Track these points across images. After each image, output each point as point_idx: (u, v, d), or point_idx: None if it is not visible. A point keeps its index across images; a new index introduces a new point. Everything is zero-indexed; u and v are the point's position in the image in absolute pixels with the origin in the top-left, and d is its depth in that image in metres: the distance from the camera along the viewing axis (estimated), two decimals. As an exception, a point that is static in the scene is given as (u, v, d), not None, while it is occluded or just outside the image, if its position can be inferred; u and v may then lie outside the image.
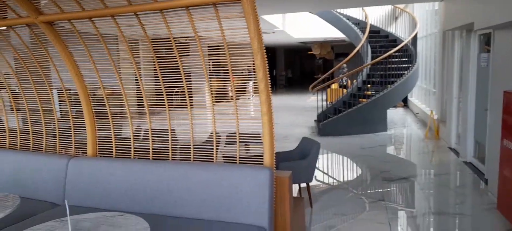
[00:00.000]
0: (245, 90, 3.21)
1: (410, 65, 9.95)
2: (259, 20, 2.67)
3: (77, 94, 3.58)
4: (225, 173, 2.93)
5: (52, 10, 3.10)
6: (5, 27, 3.54)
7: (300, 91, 21.86)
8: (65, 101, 3.66)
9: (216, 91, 3.22)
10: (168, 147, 3.29)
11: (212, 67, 3.25)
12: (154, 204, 3.06)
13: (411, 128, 10.13)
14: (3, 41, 3.74)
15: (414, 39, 10.36)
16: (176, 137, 3.40)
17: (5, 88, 4.11)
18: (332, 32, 14.55)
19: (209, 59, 3.09)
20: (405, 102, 13.70)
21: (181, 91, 3.17)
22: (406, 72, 9.66)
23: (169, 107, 3.26)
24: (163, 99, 3.23)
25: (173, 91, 3.24)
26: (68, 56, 3.29)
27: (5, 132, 4.18)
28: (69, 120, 3.68)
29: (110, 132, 3.52)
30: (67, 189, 3.36)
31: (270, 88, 2.86)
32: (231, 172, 2.93)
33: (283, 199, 3.02)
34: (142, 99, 3.31)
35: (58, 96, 3.78)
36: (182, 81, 3.09)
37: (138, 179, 3.16)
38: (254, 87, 2.93)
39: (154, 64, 3.14)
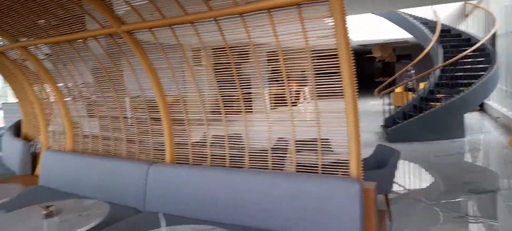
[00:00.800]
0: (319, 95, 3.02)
1: (488, 65, 9.04)
2: (346, 20, 2.48)
3: (150, 102, 3.66)
4: (307, 184, 2.76)
5: (133, 19, 3.18)
6: (82, 39, 3.71)
7: (360, 95, 20.98)
8: (144, 108, 3.75)
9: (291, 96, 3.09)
10: (243, 154, 3.21)
11: (289, 71, 3.12)
12: (232, 214, 2.98)
13: (491, 134, 9.18)
14: (84, 51, 3.94)
15: (493, 37, 9.42)
16: (246, 143, 3.33)
17: (87, 96, 4.35)
18: (394, 33, 13.83)
19: (289, 64, 2.95)
20: (481, 106, 12.53)
21: (250, 97, 3.10)
22: (483, 73, 8.79)
23: (243, 113, 3.18)
24: (236, 106, 3.17)
25: (244, 97, 3.16)
26: (148, 64, 3.36)
27: (88, 137, 4.41)
28: (148, 126, 3.76)
29: (187, 139, 3.53)
30: (147, 196, 3.41)
31: (356, 92, 2.66)
32: (314, 182, 2.75)
33: (369, 213, 2.77)
34: (215, 106, 3.28)
35: (135, 104, 3.89)
36: (257, 87, 3.01)
37: (215, 186, 3.11)
38: (333, 91, 2.74)
39: (231, 70, 3.08)
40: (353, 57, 2.57)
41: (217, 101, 3.25)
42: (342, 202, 2.57)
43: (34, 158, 5.33)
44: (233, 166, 3.28)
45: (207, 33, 2.99)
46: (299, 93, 3.22)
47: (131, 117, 3.94)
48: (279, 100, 3.06)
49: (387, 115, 9.33)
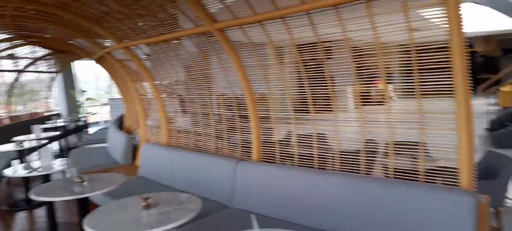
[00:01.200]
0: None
1: None
2: (460, 7, 2.16)
3: (238, 99, 3.68)
4: (407, 193, 2.47)
5: (224, 17, 3.22)
6: (176, 39, 3.89)
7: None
8: (232, 105, 3.80)
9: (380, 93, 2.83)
10: (332, 155, 3.03)
11: (386, 67, 2.85)
12: (320, 218, 2.83)
13: None
14: (178, 50, 4.14)
15: None
16: (333, 144, 3.15)
17: (180, 93, 4.58)
18: (499, 24, 12.13)
19: (385, 59, 2.69)
20: None
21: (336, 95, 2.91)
22: None
23: (332, 111, 3.01)
24: (323, 103, 3.02)
25: (331, 95, 2.98)
26: (238, 61, 3.38)
27: (181, 132, 4.66)
28: (236, 123, 3.81)
29: (273, 137, 3.48)
30: (235, 192, 3.45)
31: (471, 91, 2.31)
32: (415, 192, 2.46)
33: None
34: (300, 104, 3.17)
35: (224, 101, 3.96)
36: (344, 85, 2.83)
37: (302, 187, 2.99)
38: (438, 89, 2.42)
39: (319, 67, 2.94)
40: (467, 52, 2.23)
41: (302, 99, 3.13)
42: (450, 217, 2.26)
43: (134, 149, 5.84)
44: (321, 167, 3.14)
45: (297, 28, 2.88)
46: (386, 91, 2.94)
47: (220, 114, 4.03)
48: (367, 98, 2.83)
49: (492, 117, 8.20)
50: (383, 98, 2.81)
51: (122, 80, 6.27)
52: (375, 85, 2.89)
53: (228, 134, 3.93)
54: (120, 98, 7.65)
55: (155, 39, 4.08)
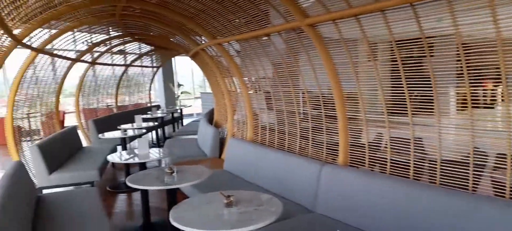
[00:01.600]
0: None
1: None
2: None
3: (326, 98, 3.47)
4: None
5: (316, 11, 3.04)
6: (266, 35, 3.83)
7: None
8: (319, 105, 3.62)
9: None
10: (431, 166, 2.65)
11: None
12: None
13: None
14: (267, 46, 4.08)
15: None
16: (425, 151, 2.74)
17: (267, 89, 4.54)
18: None
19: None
20: None
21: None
22: None
23: (434, 114, 2.62)
24: (421, 106, 2.65)
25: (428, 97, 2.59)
26: (328, 58, 3.17)
27: (266, 129, 4.62)
28: (322, 123, 3.62)
29: (363, 140, 3.21)
30: (318, 197, 3.27)
31: None
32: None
33: None
34: (393, 105, 2.83)
35: (311, 99, 3.79)
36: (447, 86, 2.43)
37: (395, 200, 2.67)
38: None
39: (418, 66, 2.57)
40: None
41: (398, 100, 2.79)
42: None
43: (221, 143, 6.02)
44: (417, 178, 2.77)
45: (397, 22, 2.57)
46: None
47: (305, 113, 3.88)
48: (475, 101, 2.39)
49: None
50: (494, 101, 2.36)
51: (213, 76, 6.51)
52: (484, 86, 2.45)
53: (313, 134, 3.75)
54: (211, 93, 7.99)
55: (246, 35, 4.10)
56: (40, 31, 4.81)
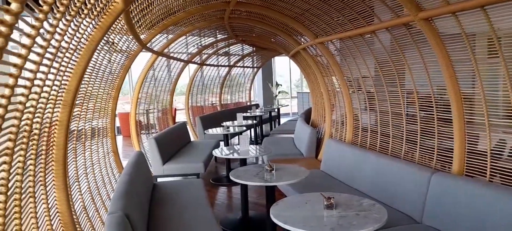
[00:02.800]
0: None
1: None
2: None
3: (439, 99, 3.14)
4: None
5: (432, 4, 2.77)
6: (372, 32, 3.63)
7: None
8: (431, 106, 3.29)
9: None
10: None
11: None
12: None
13: None
14: (372, 44, 3.87)
15: None
16: None
17: (368, 89, 4.31)
18: None
19: None
20: None
21: None
22: None
23: None
24: None
25: None
26: (445, 56, 2.86)
27: (366, 131, 4.40)
28: (433, 127, 3.29)
29: (484, 147, 2.81)
30: (426, 207, 2.98)
31: None
32: None
33: None
34: None
35: (420, 100, 3.47)
36: None
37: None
38: None
39: None
40: None
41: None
42: None
43: (318, 143, 5.94)
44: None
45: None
46: None
47: (413, 114, 3.57)
48: None
49: None
50: None
51: (312, 75, 6.47)
52: None
53: (422, 138, 3.44)
54: (308, 92, 7.95)
55: (350, 33, 3.96)
56: (159, 37, 5.41)
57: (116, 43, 3.86)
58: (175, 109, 11.44)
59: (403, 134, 3.69)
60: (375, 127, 4.23)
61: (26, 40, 1.49)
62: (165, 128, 7.77)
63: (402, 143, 3.70)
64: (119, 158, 4.94)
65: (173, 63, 7.76)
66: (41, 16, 1.53)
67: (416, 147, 3.50)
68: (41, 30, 1.61)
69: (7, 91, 1.33)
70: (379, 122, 4.12)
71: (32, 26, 1.50)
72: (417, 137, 3.49)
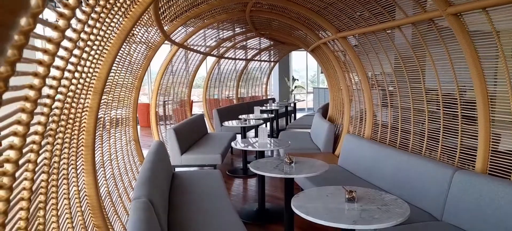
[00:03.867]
0: None
1: None
2: None
3: (464, 96, 3.09)
4: None
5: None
6: (397, 26, 3.59)
7: None
8: (455, 103, 3.25)
9: None
10: None
11: None
12: None
13: None
14: (395, 39, 3.83)
15: None
16: None
17: (390, 85, 4.28)
18: None
19: None
20: None
21: None
22: None
23: None
24: None
25: None
26: (473, 52, 2.82)
27: (387, 128, 4.38)
28: (457, 124, 3.25)
29: (509, 146, 2.77)
30: (447, 205, 2.96)
31: None
32: None
33: None
34: None
35: (444, 97, 3.43)
36: None
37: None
38: None
39: None
40: None
41: None
42: None
43: (335, 139, 5.93)
44: None
45: None
46: None
47: (435, 112, 3.53)
48: None
49: None
50: None
51: (332, 69, 6.44)
52: None
53: (444, 135, 3.40)
54: (324, 88, 7.92)
55: (373, 28, 3.93)
56: (180, 29, 5.47)
57: (142, 35, 3.94)
58: (192, 102, 11.57)
59: (425, 131, 3.66)
60: (396, 123, 4.20)
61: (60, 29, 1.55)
62: (182, 119, 7.87)
63: (423, 140, 3.66)
64: (140, 147, 5.05)
65: (192, 56, 7.84)
66: (67, 12, 1.59)
67: (438, 144, 3.47)
68: (73, 21, 1.66)
69: (55, 73, 1.39)
70: (400, 118, 4.09)
71: (60, 16, 1.55)
72: (439, 134, 3.46)
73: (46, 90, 1.36)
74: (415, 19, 3.24)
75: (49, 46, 1.29)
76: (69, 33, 1.49)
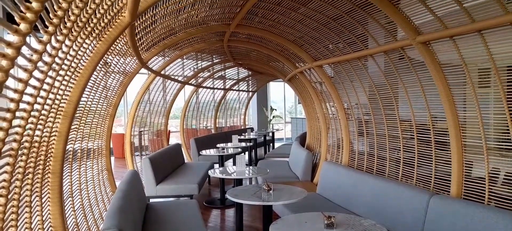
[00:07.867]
0: None
1: None
2: None
3: (436, 123, 3.18)
4: None
5: (431, 28, 2.85)
6: (369, 55, 3.71)
7: None
8: (427, 130, 3.33)
9: None
10: None
11: None
12: None
13: None
14: (365, 68, 3.94)
15: None
16: None
17: (365, 113, 4.36)
18: None
19: None
20: None
21: None
22: None
23: None
24: None
25: None
26: (442, 80, 2.92)
27: (363, 155, 4.41)
28: (430, 150, 3.31)
29: (481, 171, 2.83)
30: (426, 228, 2.96)
31: None
32: None
33: None
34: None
35: (416, 124, 3.52)
36: None
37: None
38: None
39: None
40: None
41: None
42: None
43: (313, 167, 5.92)
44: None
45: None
46: None
47: (408, 138, 3.60)
48: None
49: None
50: None
51: (309, 99, 6.52)
52: None
53: (419, 161, 3.45)
54: (302, 118, 8.00)
55: (348, 56, 4.04)
56: (157, 57, 5.44)
57: (117, 61, 3.87)
58: (169, 131, 11.38)
59: (400, 157, 3.71)
60: (372, 150, 4.24)
61: (33, 57, 1.48)
62: (158, 149, 7.70)
63: (400, 166, 3.71)
64: (113, 177, 4.86)
65: (169, 85, 7.78)
66: (45, 38, 1.53)
67: (414, 170, 3.51)
68: (48, 47, 1.60)
69: (16, 96, 1.31)
70: (376, 145, 4.14)
71: (38, 43, 1.49)
72: (414, 160, 3.51)
73: (5, 103, 1.28)
74: (387, 48, 3.35)
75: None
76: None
